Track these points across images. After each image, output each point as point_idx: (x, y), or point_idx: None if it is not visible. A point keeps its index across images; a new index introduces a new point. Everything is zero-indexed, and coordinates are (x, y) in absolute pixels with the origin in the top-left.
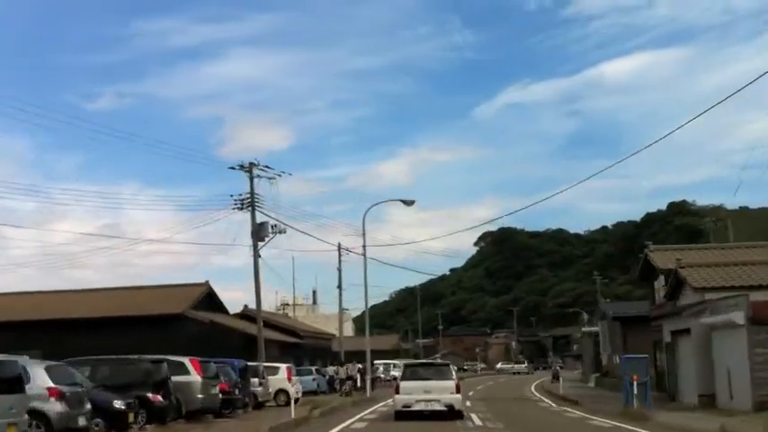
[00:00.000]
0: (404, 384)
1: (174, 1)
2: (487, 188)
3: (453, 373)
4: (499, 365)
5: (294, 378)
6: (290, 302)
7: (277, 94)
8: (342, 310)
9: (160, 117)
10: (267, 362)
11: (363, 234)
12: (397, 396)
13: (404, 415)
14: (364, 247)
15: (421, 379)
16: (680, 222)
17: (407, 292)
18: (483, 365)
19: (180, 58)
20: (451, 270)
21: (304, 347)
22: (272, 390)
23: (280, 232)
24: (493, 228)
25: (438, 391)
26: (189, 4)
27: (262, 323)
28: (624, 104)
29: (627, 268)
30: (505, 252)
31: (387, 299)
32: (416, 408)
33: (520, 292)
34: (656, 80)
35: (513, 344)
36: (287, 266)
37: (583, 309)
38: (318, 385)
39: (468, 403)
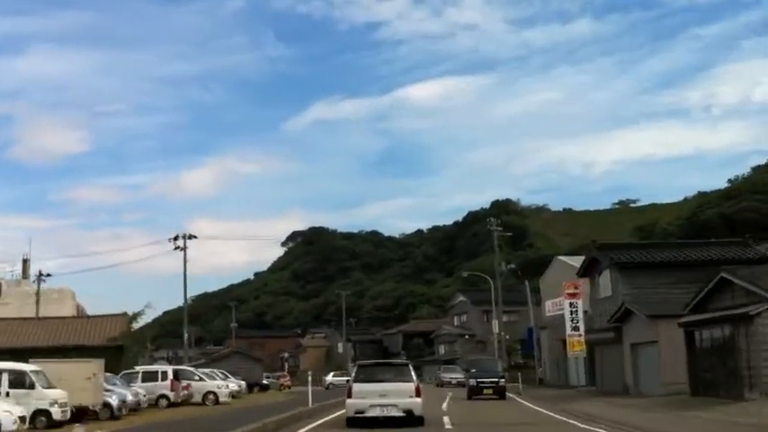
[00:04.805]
0: (357, 387)
1: None
2: (295, 201)
3: (413, 374)
4: (329, 378)
5: None
6: None
7: (78, 94)
8: None
9: None
10: None
11: None
12: (348, 400)
13: (356, 422)
14: None
15: (376, 381)
16: (505, 221)
17: (203, 298)
18: (286, 378)
19: None
20: (256, 274)
21: None
22: None
23: None
24: (303, 227)
25: (395, 395)
26: None
27: None
28: (428, 126)
29: (448, 270)
30: (316, 253)
31: (181, 305)
32: (371, 414)
33: (331, 295)
34: (458, 105)
35: (341, 345)
36: None
37: (408, 310)
38: None
39: None
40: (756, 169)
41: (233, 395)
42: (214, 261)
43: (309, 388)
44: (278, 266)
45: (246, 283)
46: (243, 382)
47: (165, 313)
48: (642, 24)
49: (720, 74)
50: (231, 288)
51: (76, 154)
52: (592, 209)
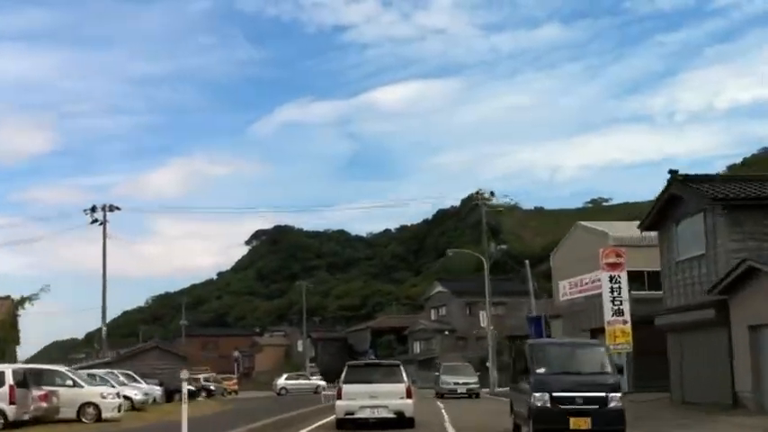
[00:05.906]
0: (346, 388)
1: None
2: (262, 202)
3: (404, 374)
4: (282, 381)
5: None
6: None
7: (44, 94)
8: None
9: None
10: None
11: None
12: (338, 402)
13: (347, 423)
14: None
15: (366, 382)
16: (476, 219)
17: (166, 298)
18: (231, 382)
19: None
20: (219, 274)
21: None
22: None
23: None
24: (267, 225)
25: (386, 396)
26: None
27: None
28: (396, 130)
29: (417, 269)
30: (281, 252)
31: (142, 304)
32: (361, 415)
33: (295, 294)
34: (426, 109)
35: (300, 343)
36: None
37: (375, 309)
38: None
39: None
40: (732, 168)
41: (135, 407)
42: (177, 262)
43: (184, 409)
44: (241, 266)
45: (209, 282)
46: (158, 388)
47: (125, 313)
48: (609, 31)
49: (684, 80)
50: (193, 288)
51: (42, 154)
52: (564, 208)
